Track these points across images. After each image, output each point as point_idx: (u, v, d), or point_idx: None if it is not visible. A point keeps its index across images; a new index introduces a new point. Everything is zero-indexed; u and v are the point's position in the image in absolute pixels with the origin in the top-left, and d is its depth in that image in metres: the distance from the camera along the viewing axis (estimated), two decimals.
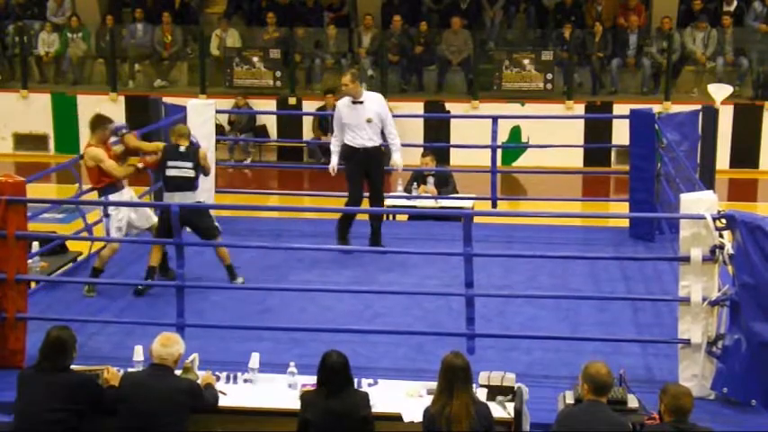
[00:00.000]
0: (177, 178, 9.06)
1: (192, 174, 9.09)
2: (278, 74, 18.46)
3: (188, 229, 9.17)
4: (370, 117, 10.09)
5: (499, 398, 6.56)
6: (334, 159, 10.26)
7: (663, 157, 10.69)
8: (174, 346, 6.37)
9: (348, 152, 10.17)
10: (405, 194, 11.93)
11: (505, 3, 19.69)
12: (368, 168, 10.23)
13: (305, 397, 6.26)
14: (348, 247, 10.11)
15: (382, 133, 10.23)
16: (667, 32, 18.02)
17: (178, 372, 6.54)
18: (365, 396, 6.25)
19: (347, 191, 10.34)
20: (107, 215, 9.10)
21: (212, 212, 10.96)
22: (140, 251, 10.06)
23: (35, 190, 8.21)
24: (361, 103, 10.11)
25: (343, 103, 10.24)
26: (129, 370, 6.66)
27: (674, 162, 10.27)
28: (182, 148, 9.14)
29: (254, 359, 6.98)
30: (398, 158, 10.33)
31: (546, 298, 8.62)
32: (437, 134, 16.91)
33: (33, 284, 8.92)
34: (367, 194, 10.37)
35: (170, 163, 9.07)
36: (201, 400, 6.38)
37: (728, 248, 6.86)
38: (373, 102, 10.19)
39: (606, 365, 5.93)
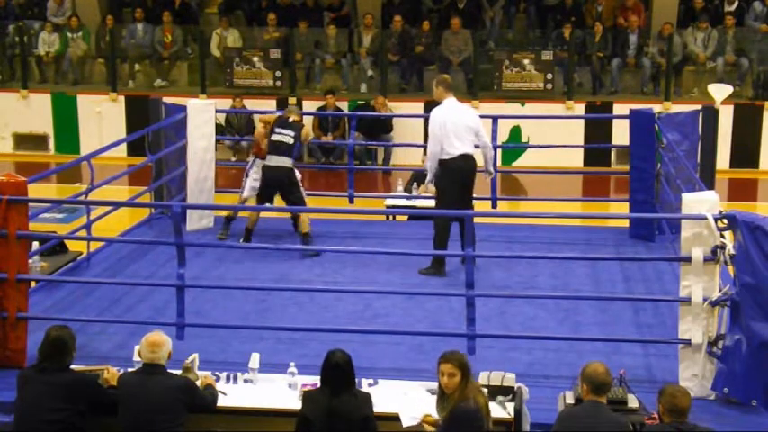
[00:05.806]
0: (278, 143, 10.26)
1: (291, 141, 10.27)
2: (278, 74, 18.45)
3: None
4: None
5: (499, 398, 6.55)
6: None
7: (663, 157, 10.68)
8: (162, 349, 6.35)
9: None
10: (405, 194, 11.90)
11: (505, 3, 19.69)
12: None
13: (307, 394, 6.26)
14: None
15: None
16: (668, 35, 18.00)
17: (177, 371, 6.55)
18: (367, 397, 6.25)
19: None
20: (247, 176, 10.70)
21: (212, 213, 11.06)
22: (140, 250, 10.09)
23: (34, 190, 8.19)
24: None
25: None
26: (128, 370, 6.65)
27: (674, 162, 10.25)
28: (290, 120, 10.42)
29: (254, 359, 6.98)
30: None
31: (546, 298, 8.62)
32: None
33: (33, 284, 8.91)
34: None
35: (276, 129, 10.34)
36: (197, 397, 6.38)
37: (730, 248, 6.86)
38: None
39: (604, 365, 5.93)
